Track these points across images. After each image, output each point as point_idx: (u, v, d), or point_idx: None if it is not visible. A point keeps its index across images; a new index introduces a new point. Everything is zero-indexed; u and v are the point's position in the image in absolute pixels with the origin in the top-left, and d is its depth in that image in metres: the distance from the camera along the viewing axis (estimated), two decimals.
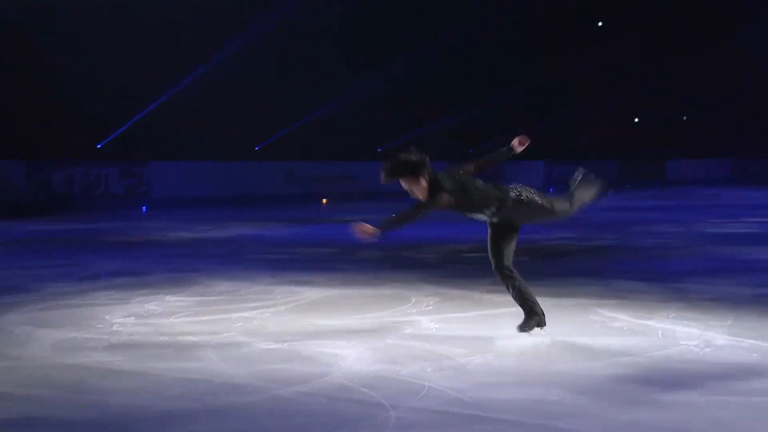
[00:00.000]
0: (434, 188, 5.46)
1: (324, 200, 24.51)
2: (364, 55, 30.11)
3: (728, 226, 15.02)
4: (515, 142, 5.81)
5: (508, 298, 7.41)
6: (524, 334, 5.89)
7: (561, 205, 5.80)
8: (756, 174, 39.74)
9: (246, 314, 6.87)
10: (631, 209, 20.14)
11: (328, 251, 11.57)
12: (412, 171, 5.43)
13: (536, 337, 5.88)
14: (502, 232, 5.78)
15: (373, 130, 31.14)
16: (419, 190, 5.47)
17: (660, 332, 6.03)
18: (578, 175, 5.91)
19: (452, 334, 6.07)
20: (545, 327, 5.88)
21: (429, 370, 5.06)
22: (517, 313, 6.74)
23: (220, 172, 25.51)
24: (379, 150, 32.04)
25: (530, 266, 9.56)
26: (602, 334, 6.03)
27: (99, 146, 25.80)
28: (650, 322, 6.35)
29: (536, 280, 8.56)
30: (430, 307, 6.83)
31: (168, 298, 7.60)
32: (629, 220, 16.56)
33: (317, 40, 28.53)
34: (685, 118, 45.33)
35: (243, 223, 16.73)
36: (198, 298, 7.57)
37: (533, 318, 5.84)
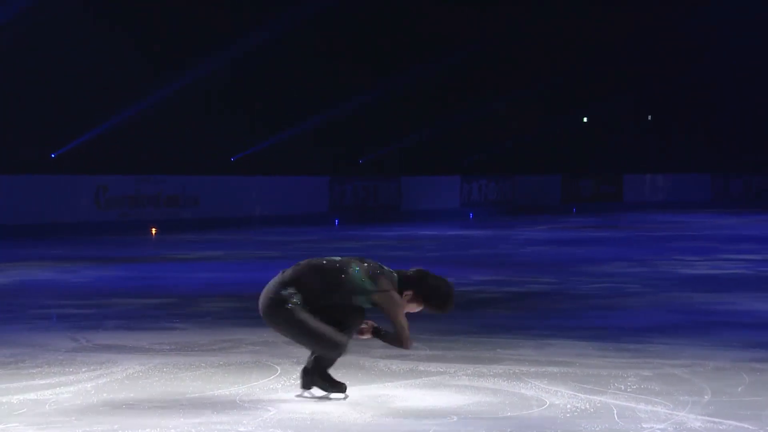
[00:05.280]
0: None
1: (153, 229, 24.23)
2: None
3: (703, 266, 15.56)
4: None
5: (411, 365, 7.47)
6: (430, 418, 5.98)
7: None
8: (740, 196, 41.24)
9: (33, 396, 6.69)
10: (575, 242, 20.63)
11: (156, 302, 11.44)
12: None
13: (447, 418, 5.94)
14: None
15: (223, 134, 30.99)
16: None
17: (616, 412, 6.18)
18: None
19: (333, 419, 6.07)
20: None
21: None
22: (425, 385, 6.76)
23: None
24: (233, 159, 31.89)
25: (437, 321, 9.62)
26: (538, 415, 6.13)
27: None
28: (602, 398, 6.51)
29: (445, 338, 8.67)
30: None
31: None
32: (572, 258, 16.96)
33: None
34: (650, 117, 46.67)
35: (31, 263, 16.38)
36: None
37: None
